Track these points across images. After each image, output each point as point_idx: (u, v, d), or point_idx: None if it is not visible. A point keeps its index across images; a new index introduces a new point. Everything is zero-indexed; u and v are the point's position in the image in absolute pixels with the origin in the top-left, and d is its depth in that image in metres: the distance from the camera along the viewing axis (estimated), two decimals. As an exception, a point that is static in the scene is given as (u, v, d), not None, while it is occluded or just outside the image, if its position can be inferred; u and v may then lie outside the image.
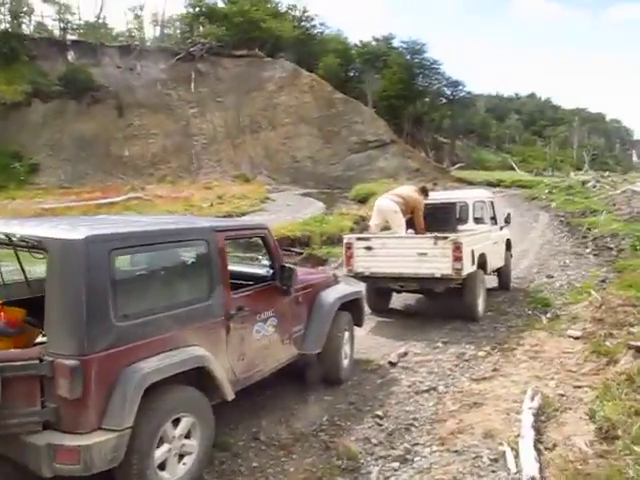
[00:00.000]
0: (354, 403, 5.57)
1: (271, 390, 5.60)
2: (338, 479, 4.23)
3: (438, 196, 10.08)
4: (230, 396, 4.25)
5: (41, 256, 3.68)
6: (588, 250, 13.97)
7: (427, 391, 5.87)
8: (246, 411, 5.13)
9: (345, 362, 6.04)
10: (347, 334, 6.09)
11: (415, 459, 4.52)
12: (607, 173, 35.66)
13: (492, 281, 10.24)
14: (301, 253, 12.87)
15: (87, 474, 3.33)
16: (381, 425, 5.11)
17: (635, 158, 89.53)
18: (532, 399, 5.23)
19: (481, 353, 6.95)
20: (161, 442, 3.72)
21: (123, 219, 5.18)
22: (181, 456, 3.91)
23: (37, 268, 4.37)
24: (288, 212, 20.66)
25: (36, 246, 3.57)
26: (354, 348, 6.36)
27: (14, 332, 3.80)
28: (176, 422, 3.83)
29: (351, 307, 6.18)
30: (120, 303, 3.56)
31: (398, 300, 9.60)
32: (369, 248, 8.27)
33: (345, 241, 8.58)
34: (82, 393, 3.29)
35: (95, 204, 20.91)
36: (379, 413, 5.32)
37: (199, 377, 3.99)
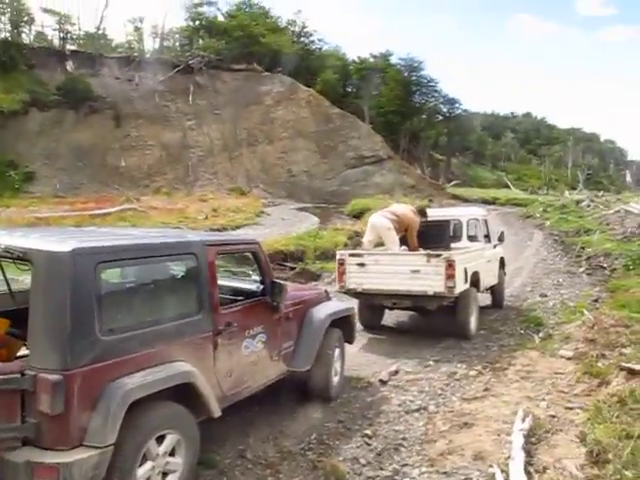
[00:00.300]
0: (343, 422, 5.50)
1: (259, 407, 5.52)
2: (325, 500, 4.16)
3: (432, 213, 10.07)
4: (217, 413, 4.17)
5: (27, 267, 3.61)
6: (581, 269, 13.99)
7: (417, 410, 5.80)
8: (233, 428, 5.04)
9: (335, 379, 5.97)
10: (338, 351, 6.03)
11: (403, 480, 4.46)
12: (601, 193, 35.83)
13: (485, 299, 10.22)
14: (294, 268, 12.81)
15: (66, 493, 3.25)
16: (370, 445, 5.04)
17: (629, 178, 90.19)
18: (523, 420, 5.17)
19: (472, 372, 6.90)
20: (144, 460, 3.64)
21: (112, 232, 5.11)
22: (165, 474, 3.82)
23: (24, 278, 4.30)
24: (283, 226, 20.64)
25: (21, 257, 3.51)
26: (345, 365, 6.30)
27: None
28: (160, 439, 3.75)
29: (342, 324, 6.12)
30: (106, 317, 3.50)
31: (390, 317, 9.55)
32: (362, 264, 8.23)
33: (338, 257, 8.55)
34: (64, 409, 3.21)
35: (89, 214, 20.82)
36: (368, 432, 5.25)
37: (185, 393, 3.92)
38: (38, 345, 3.36)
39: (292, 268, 12.78)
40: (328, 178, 43.17)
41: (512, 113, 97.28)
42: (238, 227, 19.99)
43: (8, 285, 3.64)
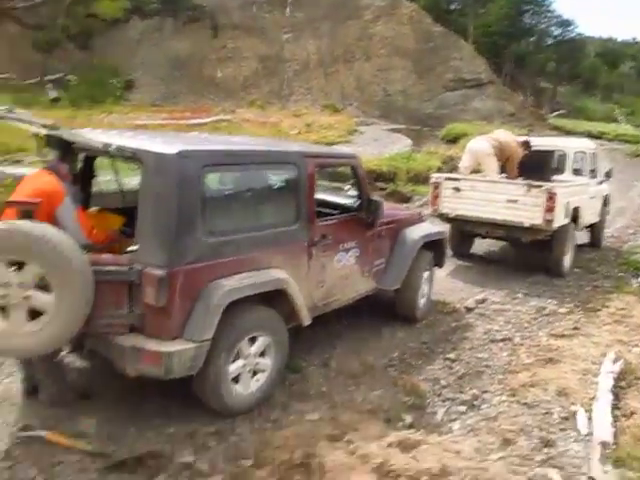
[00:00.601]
0: (426, 343, 5.54)
1: (346, 320, 5.65)
2: (403, 415, 4.25)
3: (536, 142, 9.51)
4: (307, 321, 4.31)
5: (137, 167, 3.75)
6: (693, 215, 13.00)
7: (502, 341, 5.75)
8: (320, 338, 5.21)
9: (422, 301, 5.97)
10: (427, 274, 5.99)
11: (483, 406, 4.48)
12: None
13: (583, 237, 9.76)
14: (385, 188, 12.68)
15: (167, 378, 3.51)
16: (452, 368, 5.08)
17: None
18: (613, 362, 5.01)
19: (562, 310, 6.71)
20: (237, 357, 3.86)
21: (216, 138, 5.23)
22: (254, 373, 4.05)
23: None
24: (375, 146, 20.25)
25: (131, 157, 3.64)
26: (432, 289, 6.27)
27: (102, 247, 3.95)
28: (252, 340, 3.95)
29: (433, 247, 6.04)
30: (208, 219, 3.62)
31: (481, 245, 9.33)
32: (457, 189, 8.00)
33: (433, 180, 8.34)
34: (167, 302, 3.41)
35: (186, 124, 21.27)
36: (451, 356, 5.28)
37: (279, 299, 4.05)
38: (145, 242, 3.53)
39: (383, 189, 12.65)
40: (425, 100, 41.59)
41: (633, 39, 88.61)
42: (330, 144, 19.81)
43: (120, 184, 3.81)
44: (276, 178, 4.43)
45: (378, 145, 20.83)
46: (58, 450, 3.56)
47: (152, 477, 3.40)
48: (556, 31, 57.29)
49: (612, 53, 76.38)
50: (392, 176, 13.42)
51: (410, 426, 4.12)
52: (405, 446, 3.73)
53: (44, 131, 3.97)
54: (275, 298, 4.02)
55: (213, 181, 3.81)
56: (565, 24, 56.32)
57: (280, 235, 4.15)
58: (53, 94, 28.60)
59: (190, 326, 3.51)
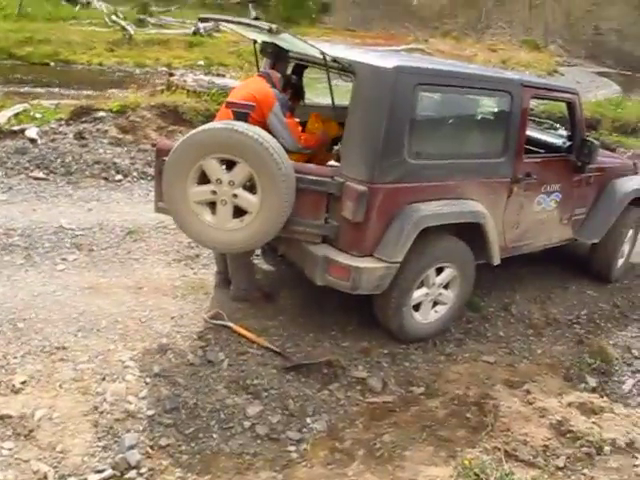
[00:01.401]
0: (619, 307, 5.03)
1: (530, 268, 5.31)
2: (587, 377, 3.94)
3: None
4: (496, 261, 4.10)
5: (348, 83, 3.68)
6: None
7: None
8: (501, 280, 4.94)
9: (619, 262, 5.38)
10: (631, 232, 5.36)
11: (683, 386, 4.01)
12: None
13: None
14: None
15: (352, 293, 3.55)
16: (648, 339, 4.58)
17: None
18: None
19: None
20: (421, 285, 3.80)
21: (429, 58, 5.01)
22: (435, 303, 3.98)
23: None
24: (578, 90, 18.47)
25: (346, 69, 3.58)
26: (633, 250, 5.61)
27: (309, 152, 4.02)
28: (439, 271, 3.85)
29: (643, 204, 5.38)
30: (415, 140, 3.50)
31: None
32: None
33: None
34: (363, 219, 3.40)
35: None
36: (648, 325, 4.77)
37: (471, 234, 3.87)
38: (349, 156, 3.51)
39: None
40: (643, 43, 36.75)
41: None
42: (525, 84, 18.45)
43: (332, 97, 3.76)
44: (488, 105, 4.16)
45: (580, 89, 18.79)
46: (243, 342, 3.81)
47: (326, 384, 3.53)
48: None
49: None
50: (595, 124, 12.15)
51: (593, 390, 3.83)
52: (586, 410, 3.49)
53: (263, 37, 4.02)
54: (468, 231, 3.85)
55: (425, 101, 3.65)
56: None
57: (484, 167, 3.92)
58: (253, 14, 29.70)
59: (382, 246, 3.49)
